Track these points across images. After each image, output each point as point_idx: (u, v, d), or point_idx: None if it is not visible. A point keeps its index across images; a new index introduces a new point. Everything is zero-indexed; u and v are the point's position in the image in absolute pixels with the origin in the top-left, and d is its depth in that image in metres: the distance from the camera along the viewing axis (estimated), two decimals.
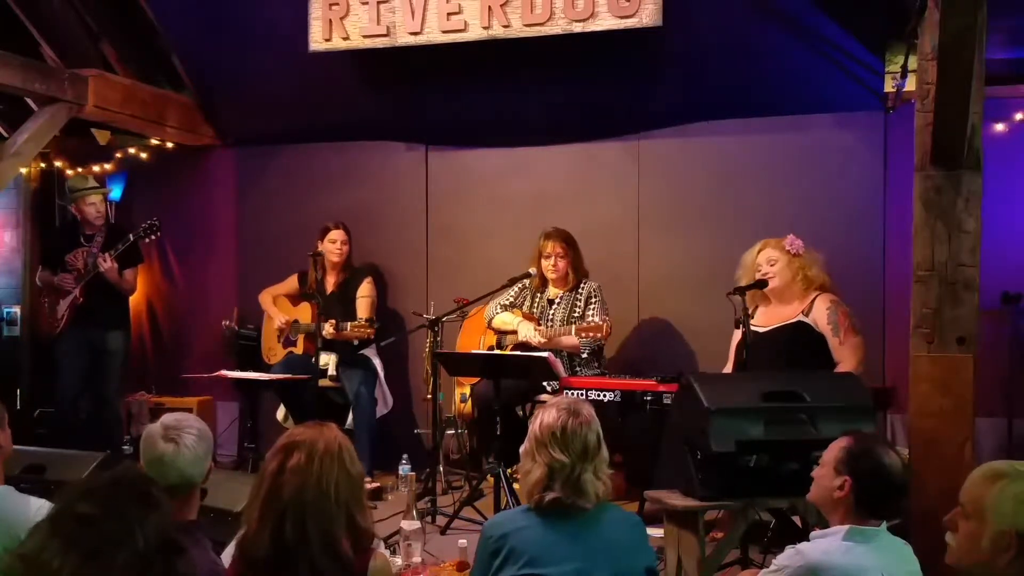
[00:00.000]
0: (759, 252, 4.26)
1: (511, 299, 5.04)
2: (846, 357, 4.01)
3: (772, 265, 4.19)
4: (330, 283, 5.44)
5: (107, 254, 5.37)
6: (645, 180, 5.42)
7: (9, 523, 2.38)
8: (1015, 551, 1.79)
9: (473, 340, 5.29)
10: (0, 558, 2.26)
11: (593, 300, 4.85)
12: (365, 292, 5.38)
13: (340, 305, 5.29)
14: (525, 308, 5.01)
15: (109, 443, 5.35)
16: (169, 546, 1.50)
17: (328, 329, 5.01)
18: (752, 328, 4.18)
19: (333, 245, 5.37)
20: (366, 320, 5.07)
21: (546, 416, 2.36)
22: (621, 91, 5.22)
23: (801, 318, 4.12)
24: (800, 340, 4.09)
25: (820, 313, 4.09)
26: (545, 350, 4.63)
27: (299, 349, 5.41)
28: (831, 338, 4.05)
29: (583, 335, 4.55)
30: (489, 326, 5.10)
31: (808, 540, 2.38)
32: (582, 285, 4.92)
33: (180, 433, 2.34)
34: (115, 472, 1.65)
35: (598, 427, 2.38)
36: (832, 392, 3.27)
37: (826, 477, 2.38)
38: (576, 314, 4.85)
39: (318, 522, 1.98)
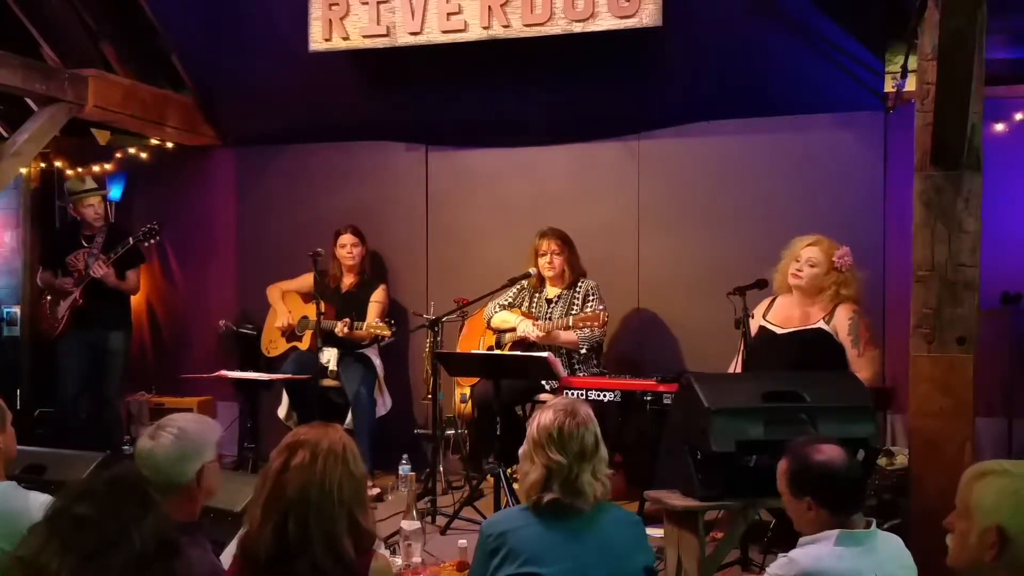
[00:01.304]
0: (807, 246, 4.13)
1: (510, 299, 5.05)
2: (863, 369, 3.92)
3: (811, 266, 4.08)
4: (346, 283, 5.48)
5: (101, 260, 5.37)
6: (645, 180, 5.42)
7: (11, 519, 2.39)
8: (998, 547, 1.79)
9: (473, 341, 5.29)
10: (1, 554, 2.27)
11: (591, 297, 4.86)
12: (378, 297, 5.40)
13: (353, 305, 5.31)
14: (524, 307, 5.01)
15: (109, 443, 5.36)
16: (166, 547, 1.50)
17: (341, 328, 5.03)
18: (769, 326, 4.14)
19: (343, 250, 5.41)
20: (385, 320, 5.10)
21: (543, 417, 2.36)
22: (621, 91, 5.22)
23: (822, 325, 4.03)
24: (818, 347, 4.01)
25: (841, 322, 4.01)
26: (544, 347, 4.64)
27: (304, 345, 5.43)
28: (850, 349, 3.98)
29: (580, 325, 4.56)
30: (488, 326, 5.10)
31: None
32: (579, 284, 4.93)
33: (161, 431, 2.32)
34: (112, 473, 1.65)
35: (596, 427, 2.37)
36: (832, 392, 3.26)
37: (791, 505, 2.39)
38: (574, 312, 4.85)
39: (321, 522, 1.98)
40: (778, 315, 4.18)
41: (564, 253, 4.90)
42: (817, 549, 2.27)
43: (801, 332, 4.07)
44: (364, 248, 5.48)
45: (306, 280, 5.56)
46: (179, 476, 2.30)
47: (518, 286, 5.00)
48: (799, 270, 4.10)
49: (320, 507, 1.98)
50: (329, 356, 5.24)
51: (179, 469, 2.30)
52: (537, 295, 5.02)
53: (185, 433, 2.33)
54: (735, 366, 4.25)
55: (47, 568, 1.43)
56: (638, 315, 5.41)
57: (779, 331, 4.11)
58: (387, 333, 5.08)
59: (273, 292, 5.64)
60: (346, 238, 5.41)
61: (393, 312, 5.64)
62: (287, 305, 5.59)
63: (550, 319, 4.88)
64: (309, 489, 1.99)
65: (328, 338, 5.13)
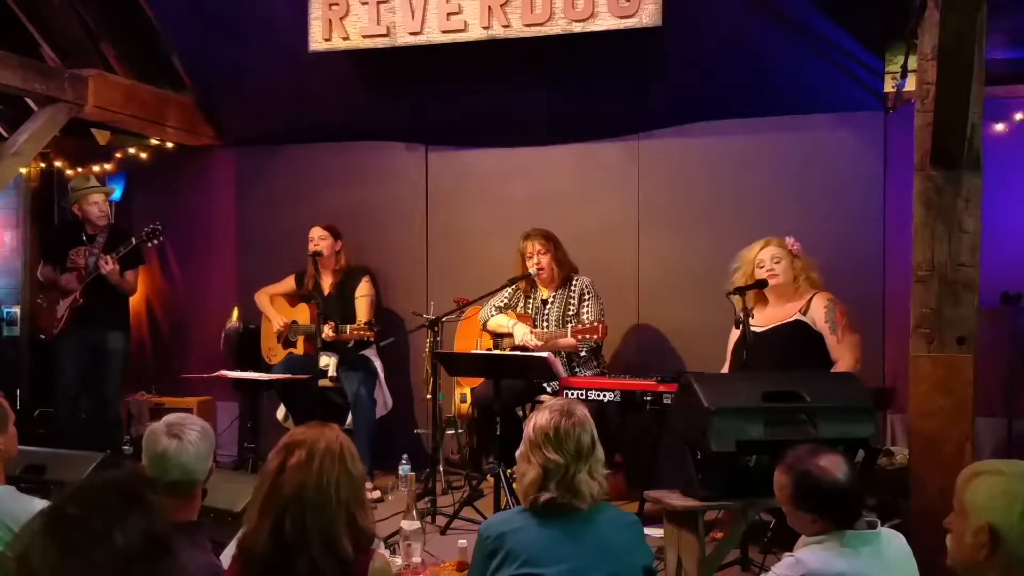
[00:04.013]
0: (762, 248, 4.23)
1: (505, 301, 5.03)
2: (843, 355, 4.00)
3: (777, 263, 4.17)
4: (327, 284, 5.43)
5: (109, 256, 5.36)
6: (645, 180, 5.42)
7: (10, 523, 2.38)
8: (991, 546, 1.79)
9: (470, 342, 5.28)
10: (1, 558, 2.27)
11: (587, 296, 4.84)
12: (364, 292, 5.37)
13: (338, 305, 5.29)
14: (519, 309, 5.00)
15: (109, 443, 5.36)
16: (155, 547, 1.50)
17: (328, 331, 5.02)
18: (750, 328, 4.17)
19: (311, 243, 5.37)
20: (366, 323, 5.07)
21: (539, 418, 2.37)
22: (621, 91, 5.22)
23: (799, 317, 4.11)
24: (798, 339, 4.08)
25: (818, 311, 4.08)
26: (544, 351, 4.64)
27: (299, 350, 5.41)
28: (828, 336, 4.04)
29: (580, 337, 4.55)
30: (484, 328, 5.08)
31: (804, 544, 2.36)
32: (573, 282, 4.90)
33: (183, 429, 2.36)
34: (110, 473, 1.66)
35: (592, 427, 2.38)
36: (832, 392, 3.26)
37: (795, 517, 2.37)
38: (571, 312, 4.84)
39: (318, 521, 1.98)
40: (757, 318, 4.23)
41: (549, 252, 4.85)
42: (825, 551, 2.26)
43: (780, 327, 4.13)
44: (336, 242, 5.40)
45: (287, 283, 5.55)
46: (200, 473, 2.37)
47: (512, 287, 4.99)
48: (772, 270, 4.17)
49: (317, 506, 1.98)
50: (328, 361, 5.22)
51: (202, 466, 2.37)
52: (532, 296, 5.00)
53: (205, 431, 2.41)
54: (726, 366, 4.30)
55: (31, 562, 1.44)
56: (638, 315, 5.40)
57: (760, 329, 4.15)
58: (370, 335, 5.06)
59: (261, 298, 5.59)
60: (314, 231, 5.38)
61: (390, 313, 5.64)
62: (276, 309, 5.57)
63: (547, 320, 4.87)
64: (306, 488, 1.99)
65: (324, 342, 5.11)
